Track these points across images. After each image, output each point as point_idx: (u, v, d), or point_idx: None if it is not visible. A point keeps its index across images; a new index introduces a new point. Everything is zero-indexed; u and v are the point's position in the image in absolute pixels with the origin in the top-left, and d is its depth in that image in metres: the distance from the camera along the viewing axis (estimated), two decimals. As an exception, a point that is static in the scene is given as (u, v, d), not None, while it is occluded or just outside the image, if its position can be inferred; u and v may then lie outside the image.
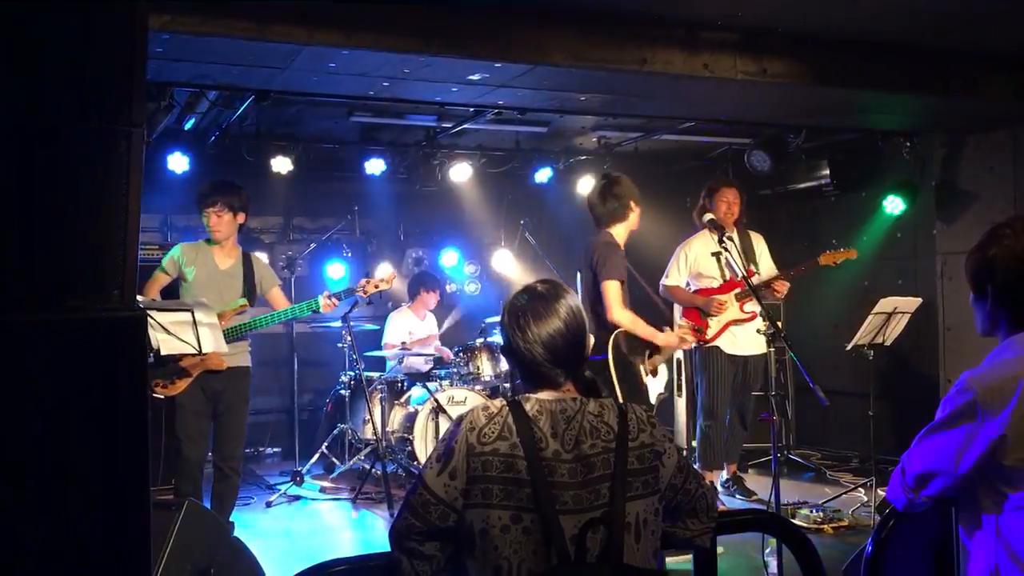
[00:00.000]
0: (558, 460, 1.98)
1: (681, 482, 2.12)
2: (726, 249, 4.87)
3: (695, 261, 6.06)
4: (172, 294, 5.25)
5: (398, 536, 2.05)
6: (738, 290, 5.97)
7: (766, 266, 6.12)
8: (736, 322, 5.97)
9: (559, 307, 2.14)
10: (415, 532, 2.02)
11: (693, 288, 6.12)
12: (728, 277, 6.01)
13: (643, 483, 2.03)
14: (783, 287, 5.92)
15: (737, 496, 6.21)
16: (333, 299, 5.26)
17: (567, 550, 1.91)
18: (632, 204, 5.10)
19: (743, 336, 5.97)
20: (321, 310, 5.23)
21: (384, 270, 5.56)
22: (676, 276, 6.13)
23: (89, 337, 1.60)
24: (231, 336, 4.99)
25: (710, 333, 6.00)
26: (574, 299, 2.19)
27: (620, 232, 5.06)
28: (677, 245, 6.24)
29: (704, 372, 6.06)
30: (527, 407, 2.04)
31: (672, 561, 3.70)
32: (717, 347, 5.99)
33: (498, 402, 2.07)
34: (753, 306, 5.92)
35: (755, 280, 5.87)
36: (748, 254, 6.01)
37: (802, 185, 8.06)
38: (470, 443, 1.99)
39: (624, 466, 2.00)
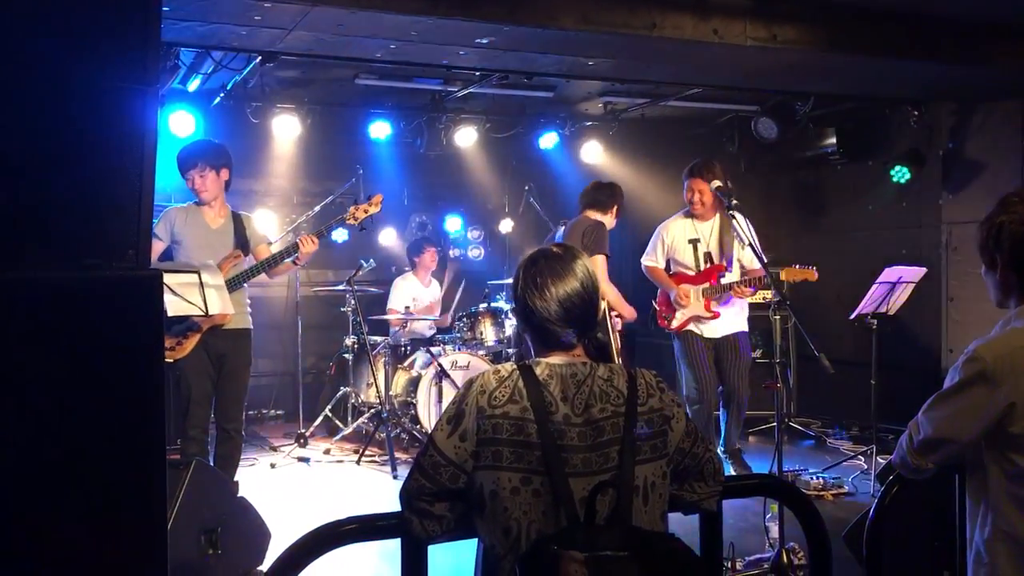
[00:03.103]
0: (568, 424, 1.99)
1: (689, 446, 2.13)
2: (734, 217, 4.84)
3: (672, 246, 5.99)
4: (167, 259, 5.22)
5: (408, 496, 2.06)
6: (706, 286, 5.84)
7: (747, 257, 5.80)
8: (698, 319, 5.87)
9: (576, 267, 2.15)
10: (425, 493, 2.04)
11: (673, 270, 6.05)
12: (702, 268, 5.88)
13: (651, 447, 2.05)
14: (744, 292, 5.72)
15: (732, 469, 6.09)
16: (312, 236, 5.11)
17: (576, 512, 1.93)
18: (615, 208, 5.68)
19: (712, 322, 5.88)
20: (301, 251, 5.07)
21: (374, 201, 5.42)
22: (654, 257, 6.10)
23: (106, 296, 1.60)
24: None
25: (675, 323, 5.95)
26: (588, 261, 2.20)
27: (598, 218, 5.49)
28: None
29: (684, 358, 5.97)
30: (537, 371, 2.05)
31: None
32: (690, 331, 5.91)
33: (509, 366, 2.08)
34: (718, 307, 5.82)
35: (725, 279, 5.80)
36: (726, 242, 5.82)
37: (808, 153, 8.02)
38: (480, 406, 2.00)
39: (633, 430, 2.02)
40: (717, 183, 5.35)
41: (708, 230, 5.89)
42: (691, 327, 5.91)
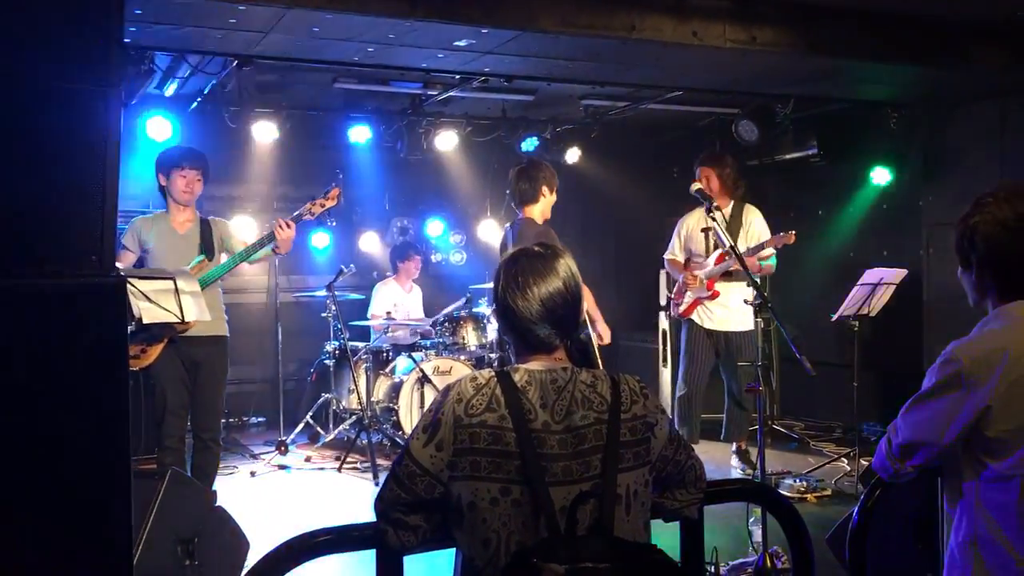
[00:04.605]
0: (548, 432, 1.95)
1: (672, 453, 2.10)
2: (713, 219, 4.85)
3: (688, 236, 6.21)
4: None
5: (383, 506, 2.02)
6: (711, 268, 6.00)
7: (754, 240, 5.99)
8: (701, 302, 6.05)
9: (559, 267, 2.10)
10: (400, 503, 1.99)
11: (693, 260, 6.24)
12: (711, 253, 6.07)
13: (634, 455, 2.00)
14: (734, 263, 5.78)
15: (741, 470, 6.11)
16: (289, 221, 4.99)
17: (557, 523, 1.89)
18: (544, 190, 5.27)
19: (719, 312, 6.02)
20: (279, 240, 4.95)
21: (331, 196, 5.30)
22: (672, 251, 6.33)
23: (68, 303, 1.56)
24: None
25: (682, 308, 6.16)
26: (571, 261, 2.15)
27: (535, 214, 5.25)
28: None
29: (684, 344, 6.23)
30: (516, 377, 2.00)
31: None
32: (693, 319, 6.13)
33: (486, 373, 2.02)
34: (719, 285, 5.98)
35: (728, 259, 5.87)
36: (733, 230, 5.94)
37: (789, 156, 8.02)
38: (457, 415, 1.95)
39: (616, 438, 1.97)
40: (697, 185, 5.34)
41: (720, 218, 5.92)
42: (694, 316, 6.11)
